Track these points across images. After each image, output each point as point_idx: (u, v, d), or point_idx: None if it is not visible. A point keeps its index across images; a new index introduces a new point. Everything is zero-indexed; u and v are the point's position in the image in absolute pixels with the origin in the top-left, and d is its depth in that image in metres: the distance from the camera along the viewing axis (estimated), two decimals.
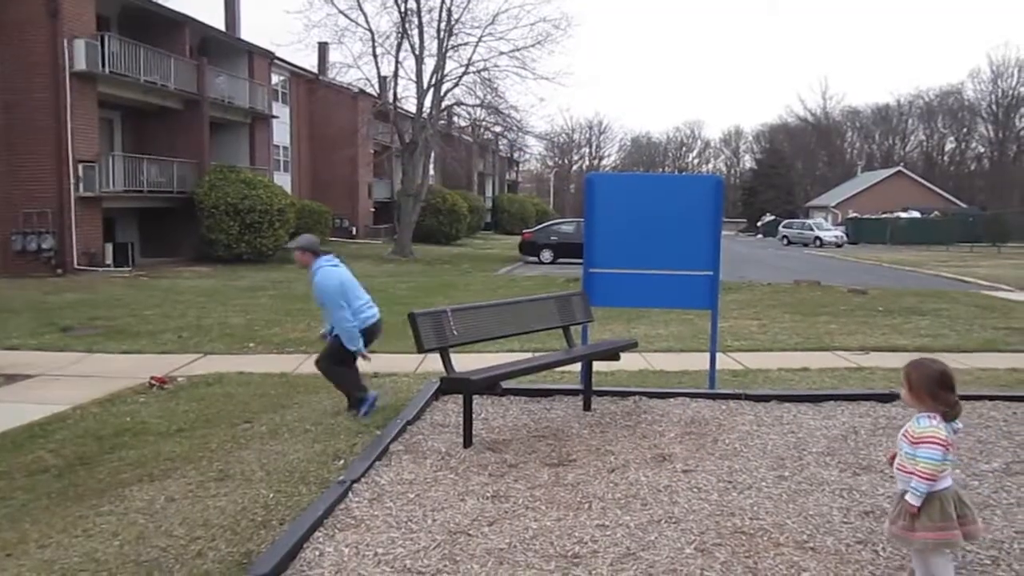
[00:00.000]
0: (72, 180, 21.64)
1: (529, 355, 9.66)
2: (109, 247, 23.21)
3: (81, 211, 22.00)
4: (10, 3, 21.41)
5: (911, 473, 3.41)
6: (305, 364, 9.62)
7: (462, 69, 31.19)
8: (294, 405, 7.48)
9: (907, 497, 3.41)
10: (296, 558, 3.94)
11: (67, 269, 21.42)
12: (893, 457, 3.61)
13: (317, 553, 4.01)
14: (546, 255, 30.50)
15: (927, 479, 3.35)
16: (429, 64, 30.75)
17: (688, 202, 7.56)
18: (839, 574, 3.78)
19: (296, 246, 7.14)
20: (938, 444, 3.36)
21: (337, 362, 7.09)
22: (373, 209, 45.00)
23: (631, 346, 7.34)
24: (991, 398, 7.29)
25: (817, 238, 51.95)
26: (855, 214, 62.93)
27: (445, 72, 30.94)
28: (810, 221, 59.43)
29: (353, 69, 34.47)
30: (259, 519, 4.63)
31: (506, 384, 6.98)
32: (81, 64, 21.69)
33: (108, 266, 22.55)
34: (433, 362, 8.19)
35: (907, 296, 17.41)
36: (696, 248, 7.54)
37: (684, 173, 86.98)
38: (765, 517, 4.51)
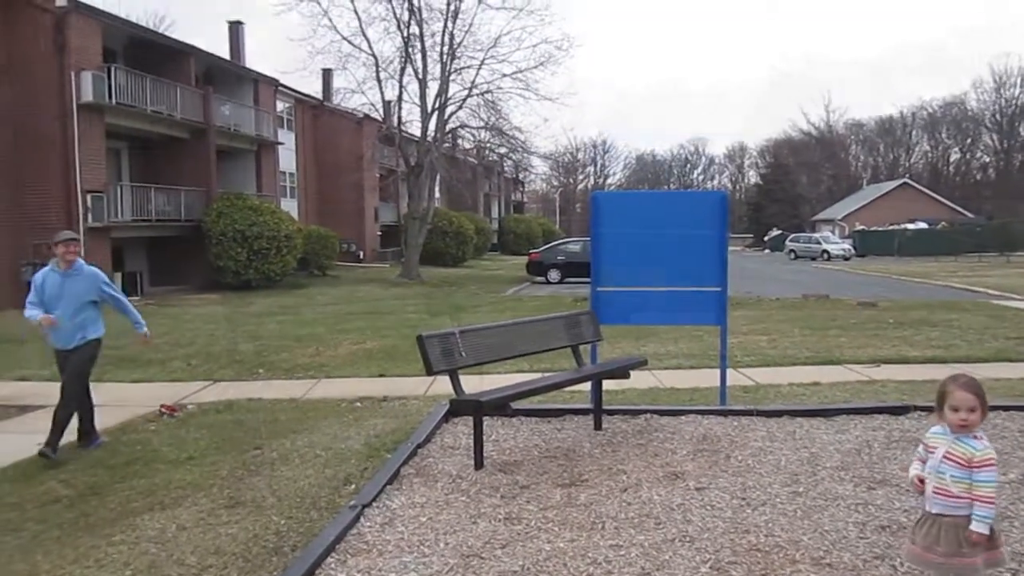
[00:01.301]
0: (81, 210, 21.79)
1: (538, 375, 9.64)
2: (118, 276, 23.29)
3: (90, 241, 22.07)
4: (17, 37, 21.66)
5: (962, 498, 3.32)
6: (315, 389, 9.63)
7: (466, 92, 31.40)
8: (304, 431, 7.46)
9: (975, 526, 3.29)
10: None
11: None
12: (922, 480, 3.52)
13: None
14: (553, 275, 30.48)
15: (991, 503, 3.30)
16: (433, 87, 30.98)
17: (694, 218, 7.55)
18: None
19: (72, 238, 7.02)
20: (994, 466, 3.34)
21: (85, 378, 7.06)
22: (379, 233, 45.14)
23: (640, 364, 7.31)
24: (1005, 408, 7.22)
25: (824, 251, 51.86)
26: (862, 227, 62.83)
27: (449, 95, 31.15)
28: (817, 235, 59.38)
29: (357, 94, 34.67)
30: (271, 546, 4.62)
31: (516, 405, 6.94)
32: (88, 96, 21.90)
33: None
34: (442, 384, 8.16)
35: (917, 308, 17.33)
36: (703, 264, 7.53)
37: (688, 189, 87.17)
38: (780, 534, 4.46)
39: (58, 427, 6.65)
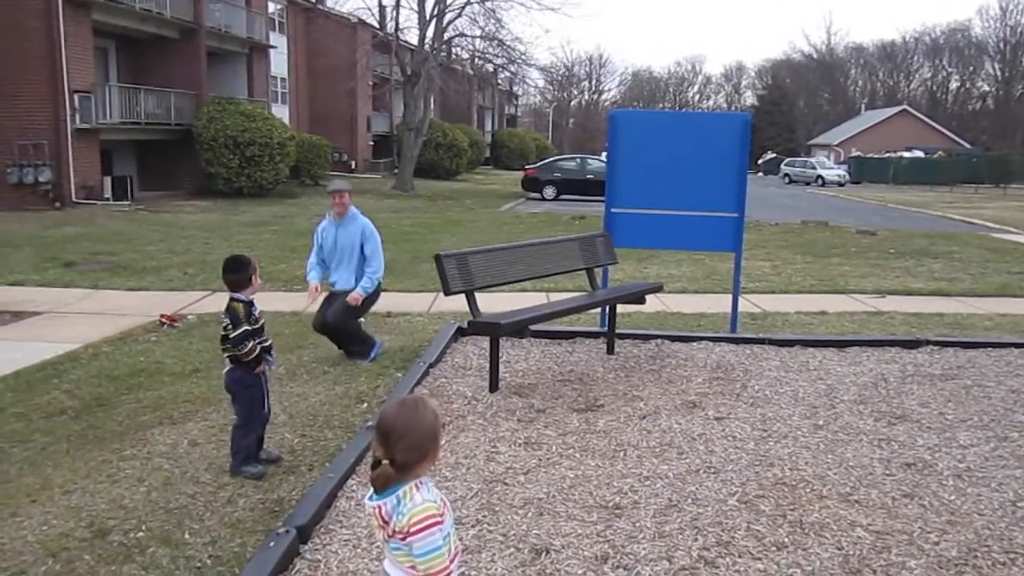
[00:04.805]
0: (68, 111, 21.13)
1: (541, 295, 9.56)
2: (107, 180, 22.81)
3: (78, 143, 21.54)
4: None
5: None
6: (316, 303, 9.45)
7: None
8: (309, 345, 7.33)
9: None
10: (331, 507, 3.85)
11: (65, 203, 21.07)
12: None
13: (352, 503, 3.91)
14: (549, 191, 30.11)
15: None
16: None
17: (714, 141, 7.33)
18: (890, 529, 3.69)
19: (338, 189, 6.68)
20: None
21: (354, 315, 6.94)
22: (372, 143, 44.36)
23: (656, 289, 7.19)
24: (1018, 345, 7.19)
25: (819, 177, 51.45)
26: (858, 153, 62.29)
27: (448, 2, 30.16)
28: (812, 159, 58.76)
29: None
30: (286, 465, 4.54)
31: None
32: None
33: (107, 200, 22.19)
34: (445, 301, 8.05)
35: (916, 238, 17.24)
36: (721, 189, 7.34)
37: (685, 109, 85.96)
38: (805, 468, 4.41)
39: (361, 341, 6.78)
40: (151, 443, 4.85)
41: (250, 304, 4.39)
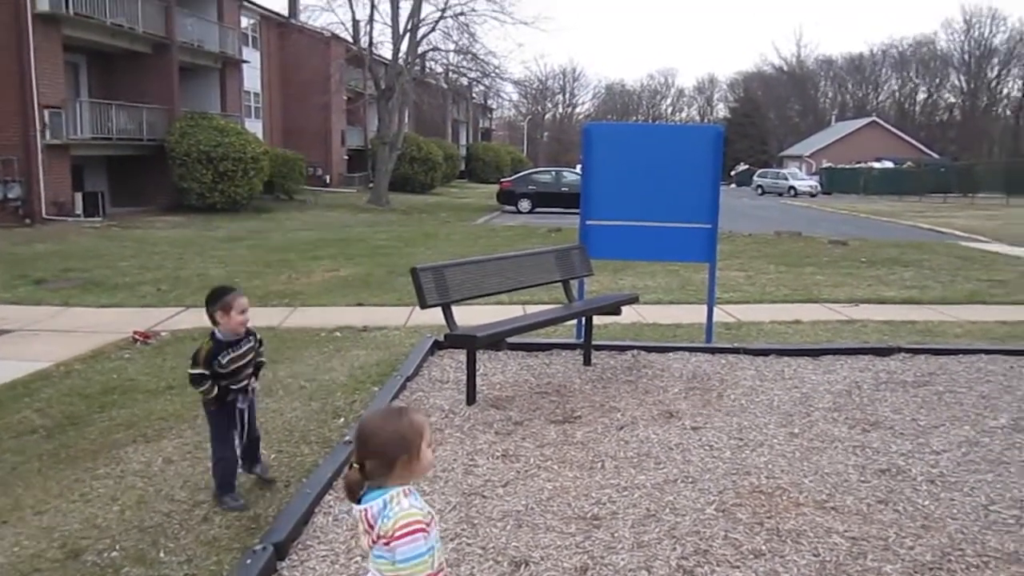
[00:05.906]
0: (38, 126, 20.92)
1: (518, 307, 9.56)
2: (79, 196, 22.57)
3: (48, 159, 21.33)
4: None
5: None
6: (291, 317, 9.43)
7: (439, 13, 30.56)
8: (285, 360, 7.29)
9: None
10: (308, 523, 3.82)
11: (36, 219, 20.83)
12: None
13: (330, 518, 3.88)
14: (524, 204, 30.22)
15: None
16: (405, 8, 30.05)
17: (687, 153, 7.39)
18: (865, 535, 3.73)
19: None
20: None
21: None
22: (347, 157, 44.25)
23: (632, 300, 7.23)
24: (987, 352, 7.29)
25: (791, 188, 52.08)
26: (829, 164, 63.10)
27: (421, 16, 30.28)
28: (784, 171, 59.49)
29: (327, 12, 33.73)
30: (263, 481, 4.49)
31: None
32: (44, 5, 20.82)
33: (78, 216, 21.96)
34: (422, 315, 8.01)
35: (887, 247, 17.45)
36: (695, 200, 7.39)
37: (658, 122, 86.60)
38: (781, 476, 4.44)
39: None
40: (124, 461, 4.79)
41: (221, 347, 4.20)
